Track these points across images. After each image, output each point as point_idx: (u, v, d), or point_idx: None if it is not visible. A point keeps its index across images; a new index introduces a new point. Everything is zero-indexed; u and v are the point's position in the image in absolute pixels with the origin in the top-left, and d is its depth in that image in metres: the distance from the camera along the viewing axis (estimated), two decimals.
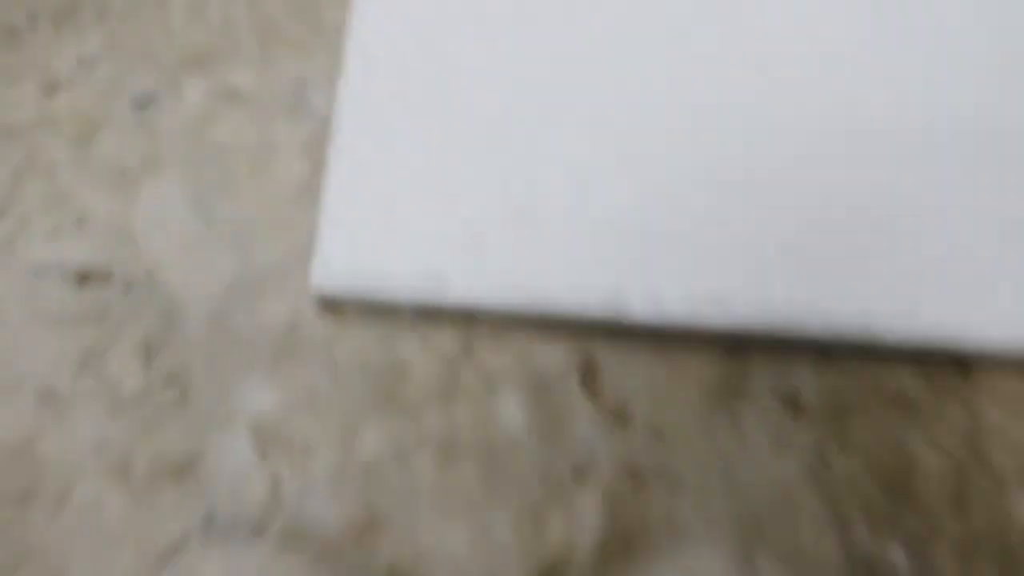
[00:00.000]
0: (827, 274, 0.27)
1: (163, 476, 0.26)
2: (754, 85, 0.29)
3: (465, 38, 0.29)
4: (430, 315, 0.27)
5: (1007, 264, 0.27)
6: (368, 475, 0.26)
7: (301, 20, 0.29)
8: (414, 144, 0.28)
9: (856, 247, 0.27)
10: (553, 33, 0.29)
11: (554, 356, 0.27)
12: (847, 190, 0.28)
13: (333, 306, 0.27)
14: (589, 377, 0.27)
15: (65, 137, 0.28)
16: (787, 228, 0.27)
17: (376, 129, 0.28)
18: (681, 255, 0.27)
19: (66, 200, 0.28)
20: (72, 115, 0.28)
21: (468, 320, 0.27)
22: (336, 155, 0.27)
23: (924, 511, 0.26)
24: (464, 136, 0.28)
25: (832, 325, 0.27)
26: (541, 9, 0.30)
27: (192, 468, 0.26)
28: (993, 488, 0.26)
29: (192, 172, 0.28)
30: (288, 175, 0.28)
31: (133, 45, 0.29)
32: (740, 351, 0.27)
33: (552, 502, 0.26)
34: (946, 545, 0.26)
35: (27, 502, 0.25)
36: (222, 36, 0.29)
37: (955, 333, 0.27)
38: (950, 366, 0.27)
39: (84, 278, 0.27)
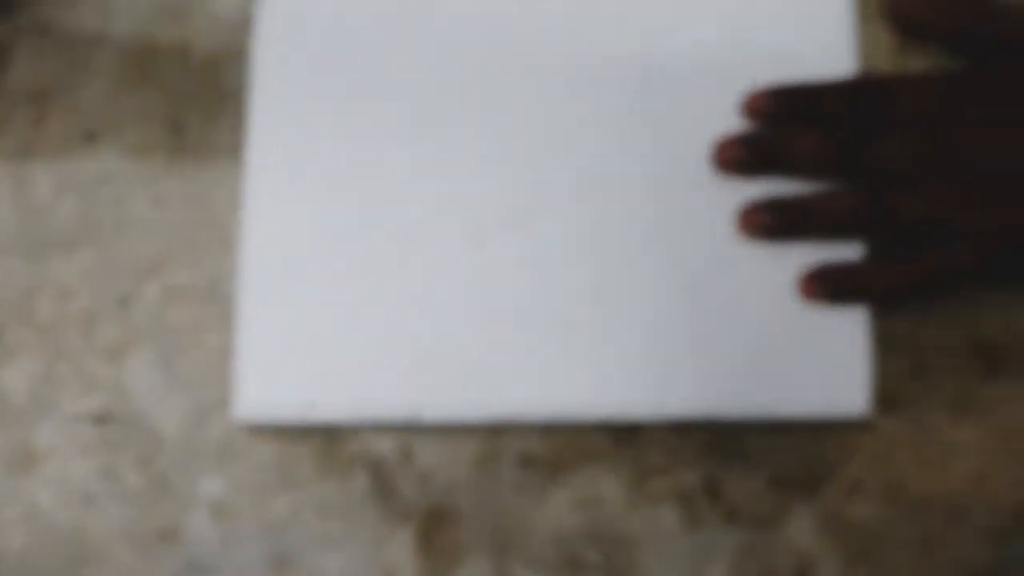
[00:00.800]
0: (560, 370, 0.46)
1: (154, 537, 0.45)
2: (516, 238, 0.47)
3: (332, 225, 0.47)
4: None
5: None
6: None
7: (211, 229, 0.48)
8: (307, 302, 0.46)
9: (581, 346, 0.46)
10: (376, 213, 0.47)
11: (387, 445, 0.46)
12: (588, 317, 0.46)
13: (253, 423, 0.46)
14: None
15: (77, 331, 0.47)
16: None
17: (273, 297, 0.47)
18: (458, 372, 0.46)
19: (83, 371, 0.47)
20: (79, 314, 0.47)
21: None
22: (243, 313, 0.46)
23: None
24: (336, 290, 0.47)
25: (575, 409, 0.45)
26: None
27: (174, 532, 0.45)
28: None
29: (157, 345, 0.47)
30: (218, 341, 0.47)
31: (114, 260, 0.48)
32: (496, 432, 0.46)
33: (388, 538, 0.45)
34: None
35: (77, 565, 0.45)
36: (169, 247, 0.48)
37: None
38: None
39: (100, 420, 0.46)
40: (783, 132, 0.46)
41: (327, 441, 0.46)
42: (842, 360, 0.45)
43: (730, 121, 0.47)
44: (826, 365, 0.45)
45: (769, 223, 0.45)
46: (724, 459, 0.46)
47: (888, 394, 0.46)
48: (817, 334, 0.45)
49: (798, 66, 0.47)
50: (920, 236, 0.45)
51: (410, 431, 0.45)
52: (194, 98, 0.49)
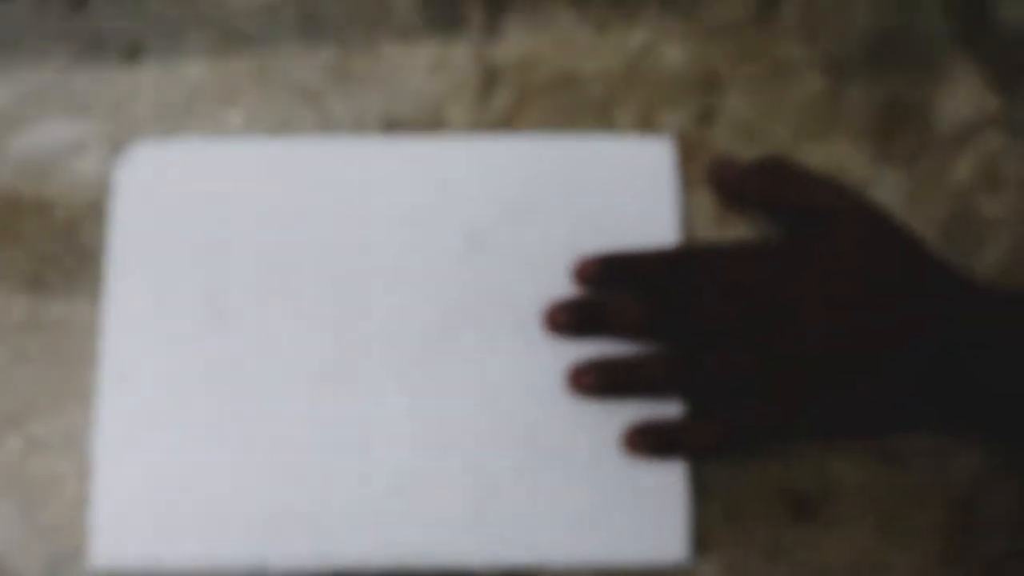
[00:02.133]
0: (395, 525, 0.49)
1: None
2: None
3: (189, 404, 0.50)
4: None
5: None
6: None
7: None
8: (159, 456, 0.49)
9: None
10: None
11: None
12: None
13: (107, 571, 0.49)
14: None
15: None
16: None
17: (127, 450, 0.49)
18: (300, 524, 0.49)
19: None
20: None
21: None
22: (99, 466, 0.48)
23: None
24: (185, 445, 0.49)
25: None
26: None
27: None
28: None
29: (17, 495, 0.49)
30: (75, 491, 0.49)
31: None
32: None
33: None
34: None
35: None
36: (29, 399, 0.50)
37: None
38: None
39: None
40: (609, 297, 0.50)
41: None
42: (662, 509, 0.49)
43: (559, 284, 0.50)
44: (648, 514, 0.49)
45: (594, 383, 0.49)
46: None
47: (705, 538, 0.50)
48: (639, 486, 0.49)
49: (625, 233, 0.51)
50: (733, 394, 0.49)
51: None
52: (55, 255, 0.51)
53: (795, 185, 0.51)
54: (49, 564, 0.48)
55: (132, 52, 0.54)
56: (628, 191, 0.51)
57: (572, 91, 0.54)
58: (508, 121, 0.53)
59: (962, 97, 0.54)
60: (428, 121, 0.53)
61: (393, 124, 0.53)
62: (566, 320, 0.49)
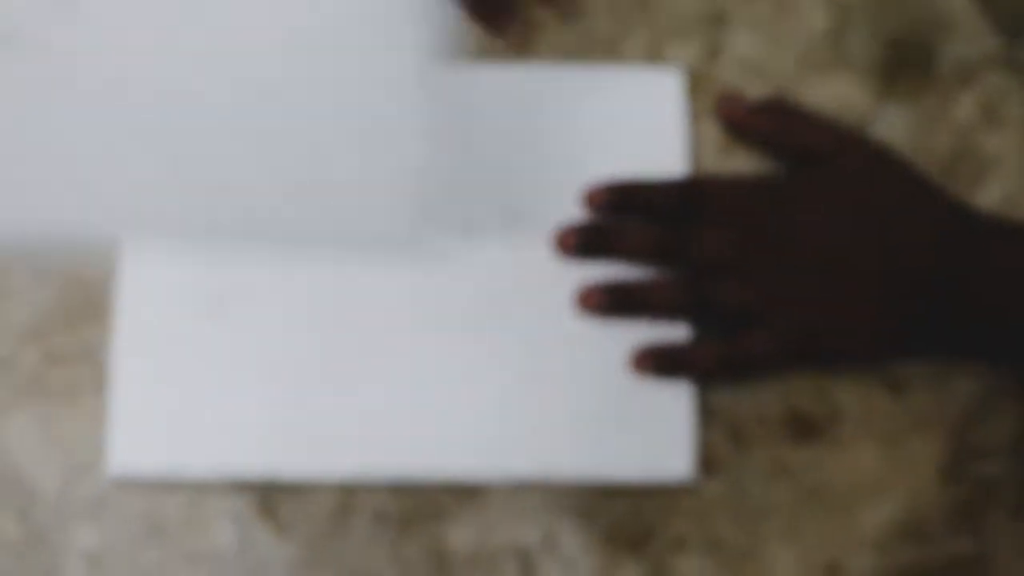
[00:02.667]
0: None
1: None
2: None
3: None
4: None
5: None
6: None
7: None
8: (175, 368, 0.50)
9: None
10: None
11: (248, 500, 0.50)
12: None
13: (125, 479, 0.50)
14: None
15: None
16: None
17: (144, 362, 0.50)
18: (313, 433, 0.50)
19: None
20: None
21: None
22: (116, 377, 0.50)
23: None
24: (201, 358, 0.51)
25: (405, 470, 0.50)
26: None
27: None
28: None
29: (36, 409, 0.51)
30: (92, 402, 0.51)
31: None
32: (351, 491, 0.50)
33: None
34: None
35: None
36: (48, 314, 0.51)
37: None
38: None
39: None
40: (617, 222, 0.51)
41: (193, 496, 0.49)
42: (668, 429, 0.50)
43: (568, 210, 0.52)
44: (654, 433, 0.50)
45: (603, 302, 0.50)
46: (560, 516, 0.50)
47: (709, 460, 0.51)
48: (647, 405, 0.50)
49: (633, 162, 0.52)
50: (735, 321, 0.50)
51: (269, 488, 0.49)
52: None
53: (798, 126, 0.52)
54: (67, 475, 0.49)
55: None
56: (637, 121, 0.53)
57: (581, 24, 0.55)
58: (518, 51, 0.54)
59: (965, 36, 0.56)
60: None
61: None
62: (575, 242, 0.50)
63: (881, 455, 0.51)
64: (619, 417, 0.50)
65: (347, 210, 0.44)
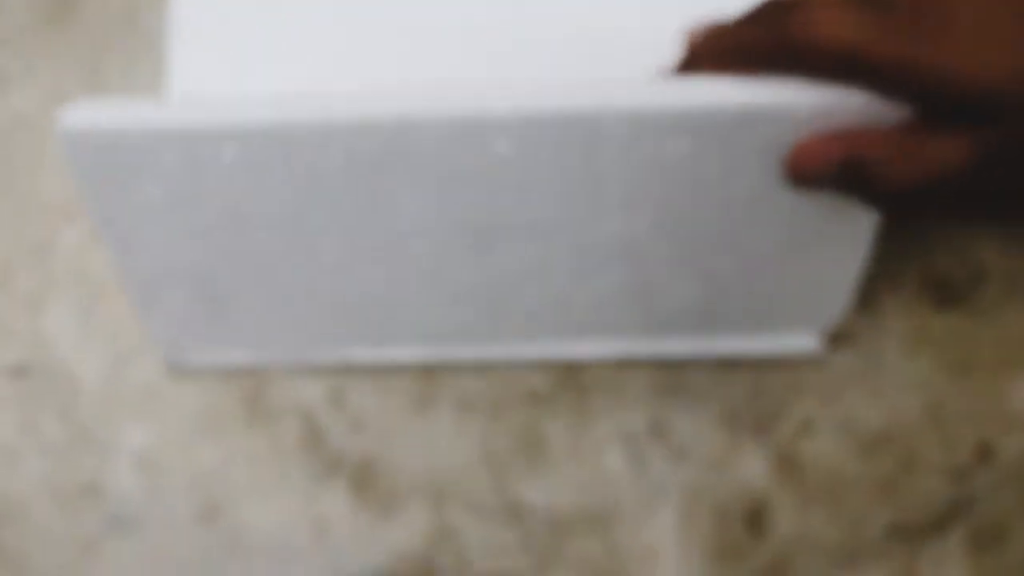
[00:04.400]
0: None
1: (76, 491, 0.43)
2: None
3: None
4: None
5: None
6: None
7: None
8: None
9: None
10: None
11: (317, 391, 0.44)
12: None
13: (175, 368, 0.44)
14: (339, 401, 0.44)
15: None
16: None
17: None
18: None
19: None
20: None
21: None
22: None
23: None
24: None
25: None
26: None
27: (96, 486, 0.43)
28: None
29: (76, 294, 0.45)
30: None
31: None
32: (431, 375, 0.44)
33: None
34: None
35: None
36: None
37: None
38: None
39: (17, 373, 0.44)
40: None
41: (254, 388, 0.43)
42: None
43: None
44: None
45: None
46: (669, 398, 0.44)
47: (837, 329, 0.44)
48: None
49: None
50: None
51: (341, 375, 0.43)
52: (113, 41, 0.47)
53: None
54: (112, 364, 0.43)
55: None
56: None
57: None
58: None
59: None
60: None
61: None
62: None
63: None
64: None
65: None
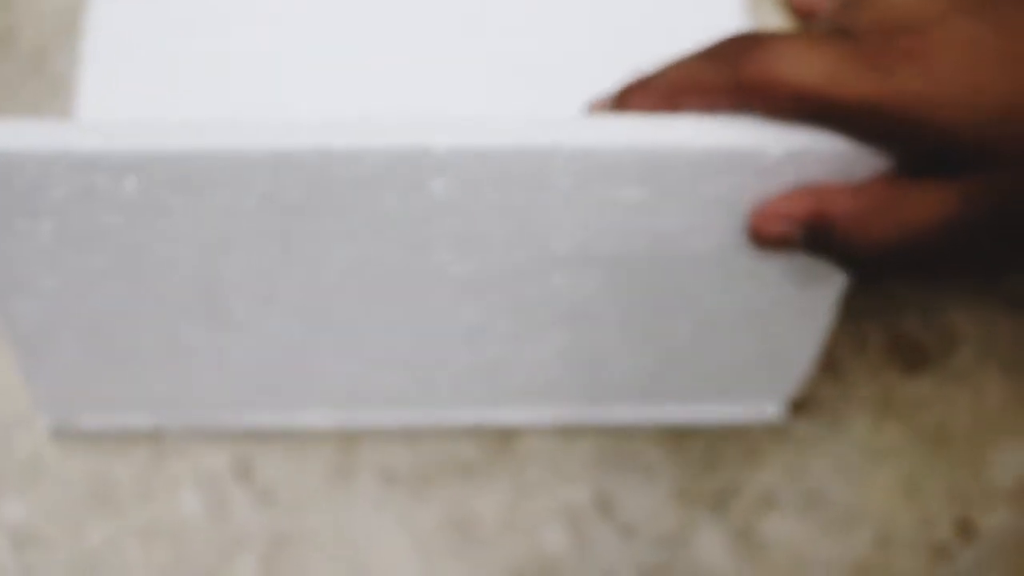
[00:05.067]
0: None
1: None
2: None
3: None
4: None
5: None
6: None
7: None
8: None
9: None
10: None
11: (222, 459, 0.39)
12: None
13: (63, 434, 0.39)
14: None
15: None
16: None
17: None
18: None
19: None
20: None
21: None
22: None
23: None
24: None
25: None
26: None
27: None
28: None
29: None
30: None
31: None
32: (351, 442, 0.39)
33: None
34: None
35: None
36: None
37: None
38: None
39: None
40: None
41: (151, 457, 0.39)
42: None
43: None
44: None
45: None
46: (615, 470, 0.39)
47: (799, 395, 0.40)
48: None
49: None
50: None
51: (248, 442, 0.39)
52: (21, 86, 0.43)
53: None
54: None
55: None
56: None
57: None
58: None
59: None
60: None
61: None
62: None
63: (1009, 387, 0.41)
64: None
65: None
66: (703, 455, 0.40)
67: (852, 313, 0.41)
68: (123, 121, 0.31)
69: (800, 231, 0.32)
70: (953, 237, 0.30)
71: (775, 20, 0.46)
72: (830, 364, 0.41)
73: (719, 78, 0.31)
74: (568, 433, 0.40)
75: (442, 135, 0.30)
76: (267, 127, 0.30)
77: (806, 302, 0.36)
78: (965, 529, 0.39)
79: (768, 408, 0.39)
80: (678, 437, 0.40)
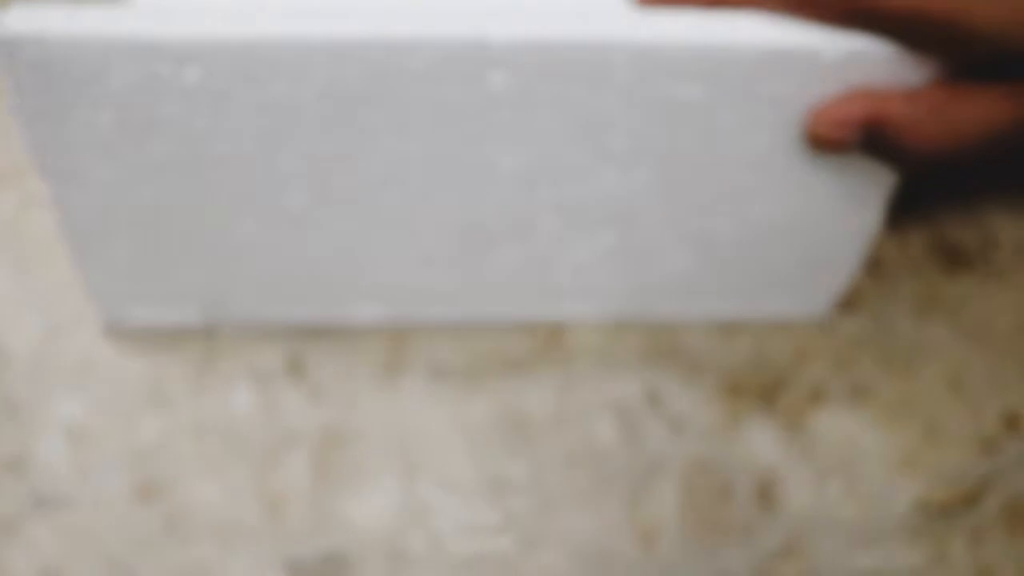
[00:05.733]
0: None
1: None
2: None
3: None
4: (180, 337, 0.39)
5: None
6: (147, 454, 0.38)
7: None
8: None
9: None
10: None
11: (274, 357, 0.39)
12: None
13: (116, 331, 0.39)
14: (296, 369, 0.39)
15: None
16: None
17: None
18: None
19: None
20: None
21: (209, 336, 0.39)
22: None
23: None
24: None
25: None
26: None
27: (21, 460, 0.38)
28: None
29: (10, 256, 0.40)
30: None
31: None
32: (401, 338, 0.39)
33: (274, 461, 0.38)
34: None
35: None
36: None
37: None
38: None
39: None
40: None
41: (203, 354, 0.39)
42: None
43: None
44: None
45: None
46: (663, 365, 0.40)
47: (845, 293, 0.41)
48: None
49: None
50: None
51: (299, 339, 0.39)
52: None
53: None
54: (46, 331, 0.39)
55: None
56: None
57: None
58: None
59: None
60: None
61: None
62: None
63: None
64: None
65: None
66: (750, 351, 0.40)
67: (895, 215, 0.42)
68: (183, 6, 0.31)
69: (856, 135, 0.32)
70: (1002, 139, 0.31)
71: None
72: (874, 264, 0.41)
73: None
74: (616, 328, 0.40)
75: (501, 27, 0.30)
76: (328, 14, 0.30)
77: (854, 205, 0.36)
78: (1012, 423, 0.39)
79: (815, 306, 0.40)
80: (725, 332, 0.40)
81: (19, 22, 0.30)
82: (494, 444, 0.38)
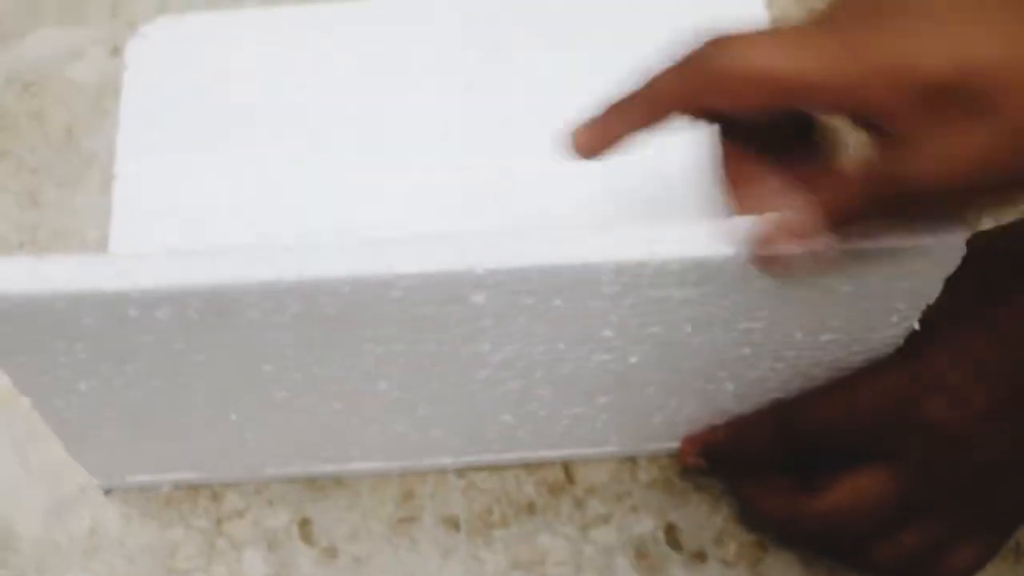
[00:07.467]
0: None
1: None
2: None
3: None
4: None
5: None
6: None
7: None
8: None
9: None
10: None
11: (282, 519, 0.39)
12: None
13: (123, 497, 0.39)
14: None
15: None
16: None
17: None
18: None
19: None
20: None
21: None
22: None
23: None
24: None
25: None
26: None
27: None
28: None
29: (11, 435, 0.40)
30: None
31: None
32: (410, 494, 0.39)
33: None
34: None
35: None
36: None
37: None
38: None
39: None
40: None
41: (211, 517, 0.39)
42: None
43: None
44: None
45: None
46: (681, 500, 0.39)
47: None
48: None
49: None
50: None
51: (307, 494, 0.39)
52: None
53: None
54: (51, 508, 0.38)
55: None
56: None
57: None
58: None
59: None
60: None
61: None
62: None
63: None
64: None
65: None
66: None
67: None
68: (157, 248, 0.30)
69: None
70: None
71: (795, 12, 0.45)
72: None
73: (696, 80, 0.30)
74: (627, 463, 0.39)
75: (482, 257, 0.29)
76: (298, 254, 0.29)
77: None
78: None
79: None
80: None
81: None
82: None
